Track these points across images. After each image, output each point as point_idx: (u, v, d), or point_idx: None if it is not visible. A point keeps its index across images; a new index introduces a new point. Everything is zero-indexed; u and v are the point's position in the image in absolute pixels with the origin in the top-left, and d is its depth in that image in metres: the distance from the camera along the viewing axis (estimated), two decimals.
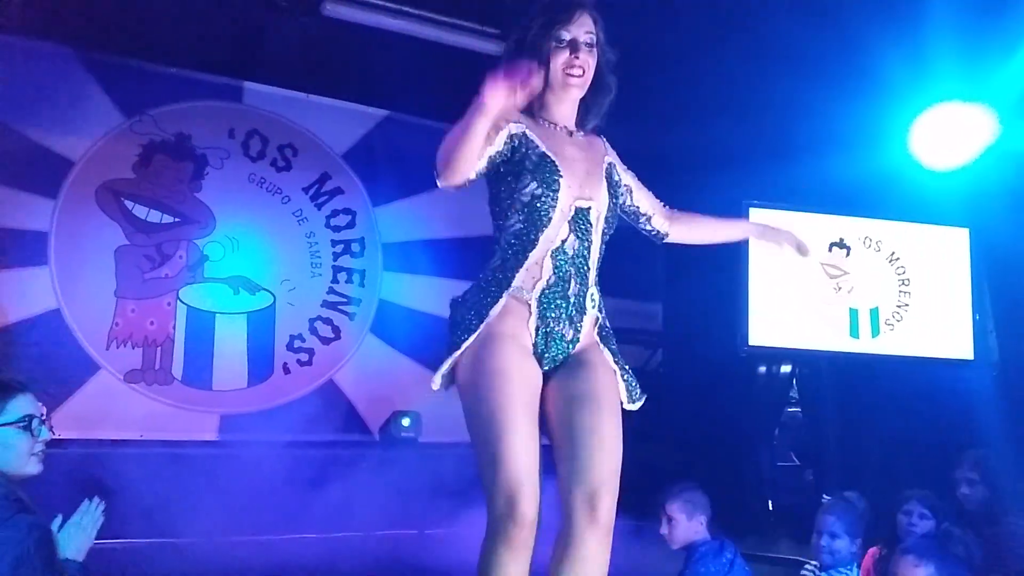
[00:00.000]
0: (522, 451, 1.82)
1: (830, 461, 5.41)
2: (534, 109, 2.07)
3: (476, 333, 1.96)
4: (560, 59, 2.01)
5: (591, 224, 2.06)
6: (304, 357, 6.08)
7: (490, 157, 1.97)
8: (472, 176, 1.96)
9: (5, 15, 4.87)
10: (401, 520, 5.20)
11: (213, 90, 6.07)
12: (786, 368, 6.34)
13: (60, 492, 2.35)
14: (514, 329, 1.96)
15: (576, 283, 2.03)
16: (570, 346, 2.04)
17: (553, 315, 1.99)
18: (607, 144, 2.22)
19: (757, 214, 5.21)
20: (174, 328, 5.75)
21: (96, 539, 2.14)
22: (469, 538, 4.88)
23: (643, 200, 2.32)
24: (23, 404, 1.90)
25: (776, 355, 5.98)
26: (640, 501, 4.74)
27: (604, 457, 1.91)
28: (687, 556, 3.10)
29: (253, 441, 5.37)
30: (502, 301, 1.97)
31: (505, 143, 1.99)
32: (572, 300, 2.02)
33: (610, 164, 2.16)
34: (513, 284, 1.98)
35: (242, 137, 6.15)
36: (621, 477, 1.95)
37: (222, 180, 6.03)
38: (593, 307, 2.09)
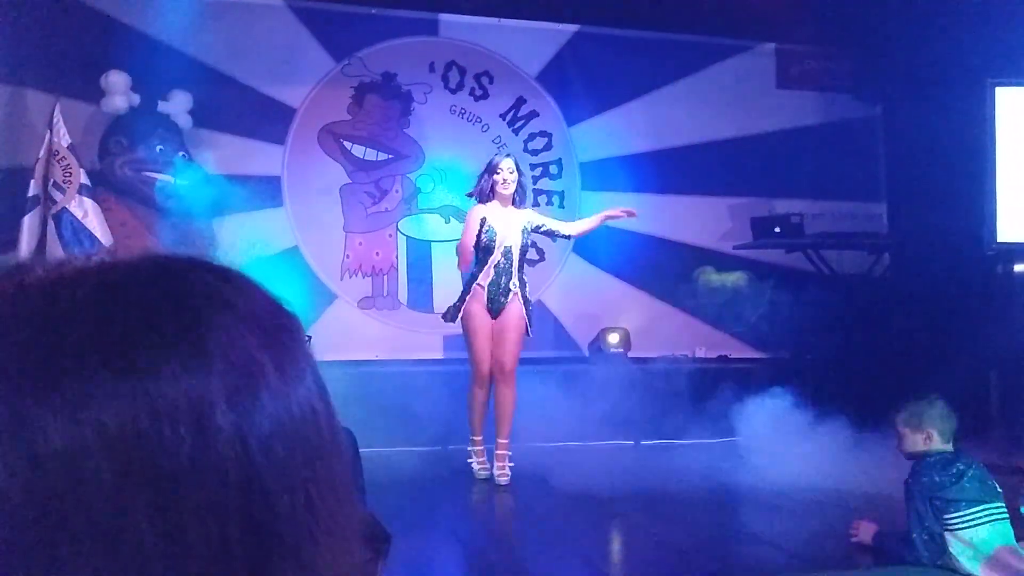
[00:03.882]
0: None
1: None
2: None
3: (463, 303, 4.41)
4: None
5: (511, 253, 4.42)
6: (519, 272, 6.29)
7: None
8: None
9: None
10: (617, 432, 5.33)
11: (411, 26, 6.28)
12: None
13: None
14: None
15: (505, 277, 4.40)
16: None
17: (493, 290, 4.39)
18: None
19: (1005, 93, 4.58)
20: (397, 257, 6.19)
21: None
22: (683, 448, 4.90)
23: (552, 225, 4.63)
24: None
25: None
26: (872, 414, 4.51)
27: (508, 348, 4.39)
28: (913, 465, 2.98)
29: None
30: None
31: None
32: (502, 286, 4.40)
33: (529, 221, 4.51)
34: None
35: (441, 70, 6.34)
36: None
37: (427, 114, 6.29)
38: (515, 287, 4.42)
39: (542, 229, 4.57)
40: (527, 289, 4.51)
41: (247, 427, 0.39)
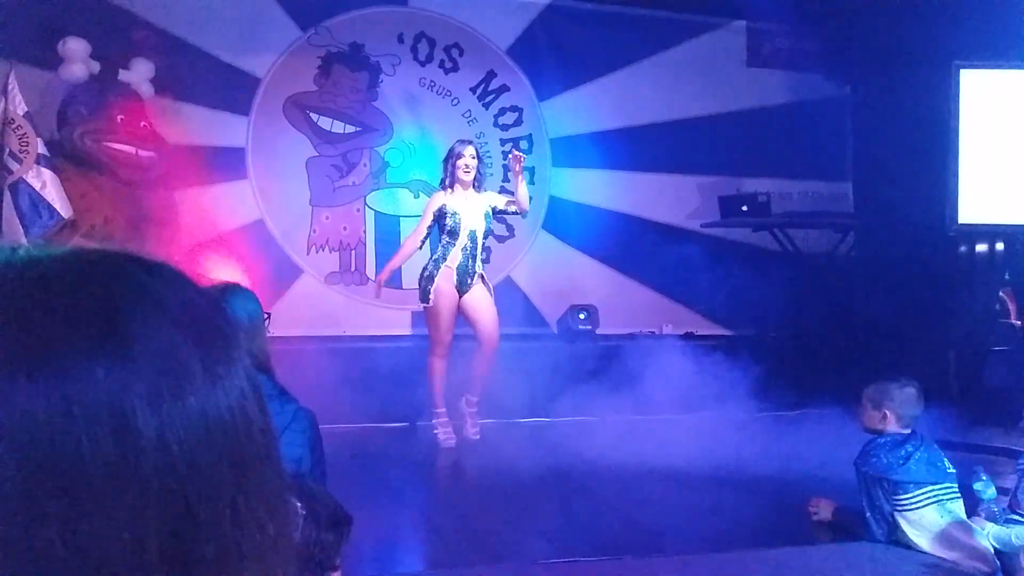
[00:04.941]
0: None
1: None
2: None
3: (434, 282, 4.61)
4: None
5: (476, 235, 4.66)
6: (482, 255, 6.27)
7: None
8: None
9: None
10: (584, 408, 5.36)
11: None
12: (1000, 246, 5.73)
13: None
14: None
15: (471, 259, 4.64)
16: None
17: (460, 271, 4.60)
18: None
19: (969, 75, 4.64)
20: (364, 232, 6.13)
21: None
22: (647, 424, 4.95)
23: (504, 205, 4.75)
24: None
25: (989, 233, 5.41)
26: (834, 391, 4.59)
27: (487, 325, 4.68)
28: (865, 444, 3.04)
29: None
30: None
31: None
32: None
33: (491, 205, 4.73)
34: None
35: (411, 41, 6.24)
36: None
37: (395, 87, 6.20)
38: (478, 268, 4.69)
39: (509, 211, 4.78)
40: (484, 269, 4.81)
41: (170, 432, 0.36)
